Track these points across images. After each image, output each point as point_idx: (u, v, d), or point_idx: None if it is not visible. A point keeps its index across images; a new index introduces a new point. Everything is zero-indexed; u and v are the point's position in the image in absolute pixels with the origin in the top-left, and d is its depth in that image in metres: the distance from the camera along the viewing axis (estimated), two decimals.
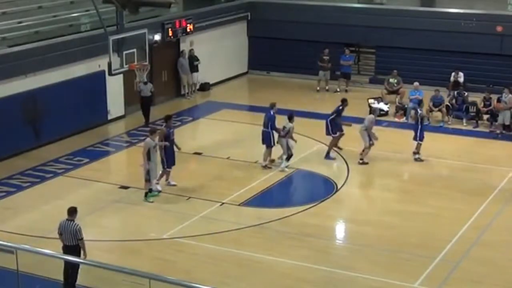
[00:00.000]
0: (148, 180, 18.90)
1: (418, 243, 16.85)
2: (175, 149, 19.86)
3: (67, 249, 14.22)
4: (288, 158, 21.06)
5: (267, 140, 21.14)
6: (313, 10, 30.86)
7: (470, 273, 15.57)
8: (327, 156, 22.06)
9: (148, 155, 18.69)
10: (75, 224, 14.23)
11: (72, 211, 14.35)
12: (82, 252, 14.30)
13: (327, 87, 29.66)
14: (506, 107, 24.14)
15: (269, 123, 20.96)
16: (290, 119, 21.04)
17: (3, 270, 13.88)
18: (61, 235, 14.34)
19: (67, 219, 14.29)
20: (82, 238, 14.23)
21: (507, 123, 24.13)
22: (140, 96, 25.26)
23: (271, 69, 31.90)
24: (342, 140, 22.57)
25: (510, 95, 24.24)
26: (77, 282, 14.59)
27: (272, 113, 21.15)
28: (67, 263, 14.07)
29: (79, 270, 14.37)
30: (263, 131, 21.20)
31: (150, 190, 19.08)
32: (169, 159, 19.60)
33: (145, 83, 25.09)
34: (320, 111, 26.04)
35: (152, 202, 18.93)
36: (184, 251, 16.53)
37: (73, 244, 14.20)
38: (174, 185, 19.82)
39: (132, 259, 15.79)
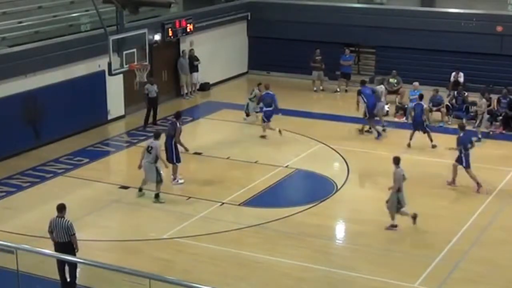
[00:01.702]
0: (161, 181, 18.95)
1: (418, 243, 16.86)
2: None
3: (59, 247, 14.21)
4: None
5: (269, 117, 23.92)
6: (313, 10, 30.86)
7: (469, 273, 15.58)
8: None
9: (156, 157, 18.86)
10: (66, 220, 14.26)
11: (62, 208, 14.38)
12: (74, 246, 14.34)
13: (321, 87, 29.68)
14: (481, 111, 23.91)
15: (273, 103, 23.81)
16: (259, 85, 25.03)
17: (3, 270, 13.90)
18: (51, 233, 14.35)
19: (57, 216, 14.31)
20: (74, 234, 14.27)
21: (475, 125, 23.83)
22: (148, 98, 25.16)
23: (271, 69, 31.88)
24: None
25: (483, 99, 24.05)
26: (77, 282, 14.62)
27: (271, 93, 24.00)
28: (64, 262, 14.07)
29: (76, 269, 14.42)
30: (265, 111, 23.86)
31: (157, 195, 19.07)
32: (178, 155, 19.92)
33: (152, 84, 25.08)
34: (320, 111, 26.06)
35: (163, 202, 18.97)
36: (184, 251, 16.53)
37: (65, 240, 14.22)
38: (182, 183, 20.10)
39: (132, 259, 15.78)
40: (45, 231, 14.55)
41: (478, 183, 19.69)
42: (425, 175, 20.85)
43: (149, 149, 18.90)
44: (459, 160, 19.89)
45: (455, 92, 26.16)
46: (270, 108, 23.87)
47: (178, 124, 20.12)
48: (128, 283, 13.02)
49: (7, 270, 13.47)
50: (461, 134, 20.11)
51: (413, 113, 23.10)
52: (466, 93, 25.94)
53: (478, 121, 23.78)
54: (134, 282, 12.33)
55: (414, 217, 17.52)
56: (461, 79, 27.49)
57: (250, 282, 15.26)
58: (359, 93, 24.15)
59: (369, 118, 23.99)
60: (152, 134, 19.94)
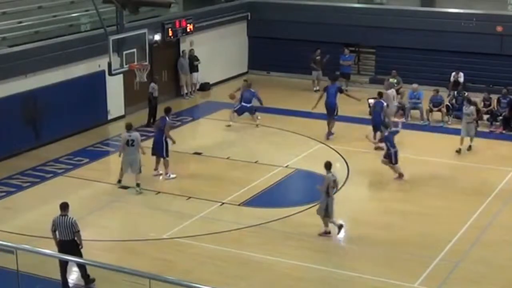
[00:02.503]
0: (140, 171, 19.53)
1: (418, 243, 16.85)
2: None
3: (63, 245, 14.23)
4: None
5: (251, 109, 25.17)
6: (313, 10, 30.87)
7: (469, 273, 15.58)
8: None
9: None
10: (70, 217, 14.29)
11: (65, 206, 14.42)
12: (79, 243, 14.37)
13: (318, 87, 29.67)
14: (469, 120, 22.69)
15: (255, 98, 25.19)
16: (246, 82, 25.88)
17: (3, 270, 13.91)
18: (54, 232, 14.36)
19: (60, 215, 14.33)
20: (78, 231, 14.30)
21: (471, 135, 22.78)
22: (153, 97, 25.16)
23: (271, 69, 31.91)
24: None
25: (471, 107, 23.12)
26: (76, 282, 14.65)
27: (253, 90, 25.32)
28: (66, 261, 14.07)
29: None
30: (243, 106, 24.97)
31: (139, 184, 19.49)
32: (168, 149, 20.27)
33: (156, 83, 25.18)
34: (320, 111, 26.00)
35: (142, 192, 19.33)
36: (184, 251, 16.53)
37: (69, 238, 14.23)
38: (174, 177, 20.39)
39: (132, 259, 15.78)
40: (45, 231, 14.56)
41: (400, 174, 20.29)
42: (424, 175, 20.85)
43: (131, 143, 19.18)
44: (387, 156, 20.36)
45: (455, 92, 26.16)
46: (248, 105, 25.03)
47: (167, 118, 20.37)
48: (128, 283, 13.01)
49: (7, 270, 13.47)
50: (386, 133, 20.59)
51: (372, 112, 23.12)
52: (466, 93, 25.91)
53: (473, 131, 22.63)
54: (134, 282, 12.33)
55: (340, 227, 17.19)
56: (461, 79, 27.46)
57: (250, 282, 15.25)
58: (325, 89, 24.28)
59: (328, 116, 24.06)
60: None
